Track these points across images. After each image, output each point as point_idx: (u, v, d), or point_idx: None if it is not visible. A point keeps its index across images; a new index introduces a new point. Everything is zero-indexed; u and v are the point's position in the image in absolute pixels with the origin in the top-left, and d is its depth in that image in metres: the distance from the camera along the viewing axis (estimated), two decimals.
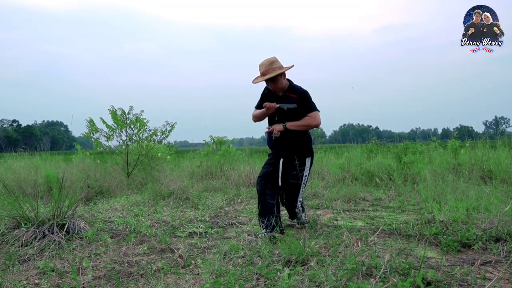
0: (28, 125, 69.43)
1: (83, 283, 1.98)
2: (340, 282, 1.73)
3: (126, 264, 2.26)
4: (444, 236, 2.61)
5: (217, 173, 7.47)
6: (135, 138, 7.40)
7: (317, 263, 2.09)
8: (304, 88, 3.07)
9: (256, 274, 1.93)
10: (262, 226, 2.81)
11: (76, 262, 2.29)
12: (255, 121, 3.22)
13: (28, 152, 9.56)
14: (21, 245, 2.63)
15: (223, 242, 2.71)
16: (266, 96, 3.17)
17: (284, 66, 3.00)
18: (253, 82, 3.00)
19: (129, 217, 3.56)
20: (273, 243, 2.55)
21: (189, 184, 5.50)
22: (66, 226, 2.91)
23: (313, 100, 3.04)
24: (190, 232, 3.17)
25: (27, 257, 2.45)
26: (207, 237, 2.98)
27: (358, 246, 2.41)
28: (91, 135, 7.09)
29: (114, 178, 6.25)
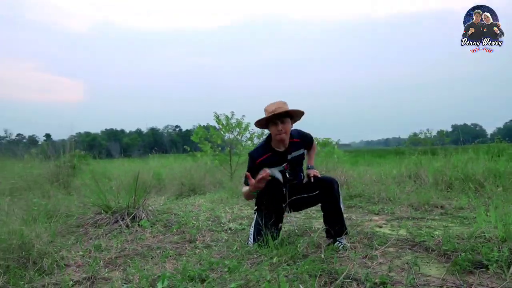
0: (187, 130, 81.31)
1: (107, 258, 2.55)
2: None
3: (146, 248, 2.77)
4: (462, 254, 2.26)
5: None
6: (234, 140, 8.18)
7: (288, 265, 2.17)
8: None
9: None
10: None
11: (118, 244, 2.92)
12: (248, 199, 2.96)
13: (164, 153, 11.54)
14: (96, 227, 3.45)
15: (238, 237, 2.97)
16: (256, 167, 2.64)
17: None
18: (256, 123, 2.72)
19: (190, 212, 4.13)
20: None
21: None
22: (132, 215, 3.64)
23: None
24: (230, 228, 3.51)
25: (95, 237, 3.21)
26: (232, 232, 3.28)
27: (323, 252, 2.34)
28: (198, 139, 8.19)
29: (214, 177, 7.08)
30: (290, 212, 2.80)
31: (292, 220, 3.49)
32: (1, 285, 1.93)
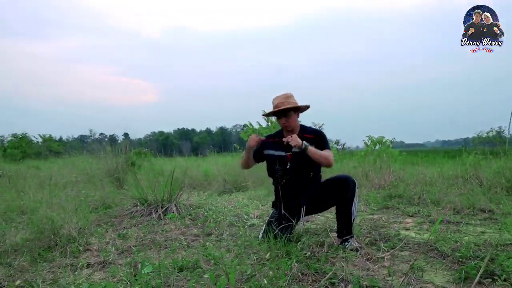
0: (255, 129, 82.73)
1: (126, 246, 2.78)
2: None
3: (164, 239, 2.96)
4: (474, 262, 2.06)
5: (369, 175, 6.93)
6: None
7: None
8: None
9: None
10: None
11: (141, 234, 3.16)
12: (244, 168, 3.04)
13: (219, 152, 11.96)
14: (131, 218, 3.75)
15: (251, 232, 3.02)
16: (262, 144, 2.85)
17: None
18: (263, 115, 2.88)
19: (224, 208, 4.28)
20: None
21: None
22: (165, 208, 3.88)
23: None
24: (252, 224, 3.58)
25: (127, 226, 3.50)
26: (251, 228, 3.34)
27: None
28: (248, 136, 8.35)
29: (260, 174, 7.16)
30: (304, 216, 2.78)
31: (314, 220, 3.45)
32: (20, 263, 2.23)
